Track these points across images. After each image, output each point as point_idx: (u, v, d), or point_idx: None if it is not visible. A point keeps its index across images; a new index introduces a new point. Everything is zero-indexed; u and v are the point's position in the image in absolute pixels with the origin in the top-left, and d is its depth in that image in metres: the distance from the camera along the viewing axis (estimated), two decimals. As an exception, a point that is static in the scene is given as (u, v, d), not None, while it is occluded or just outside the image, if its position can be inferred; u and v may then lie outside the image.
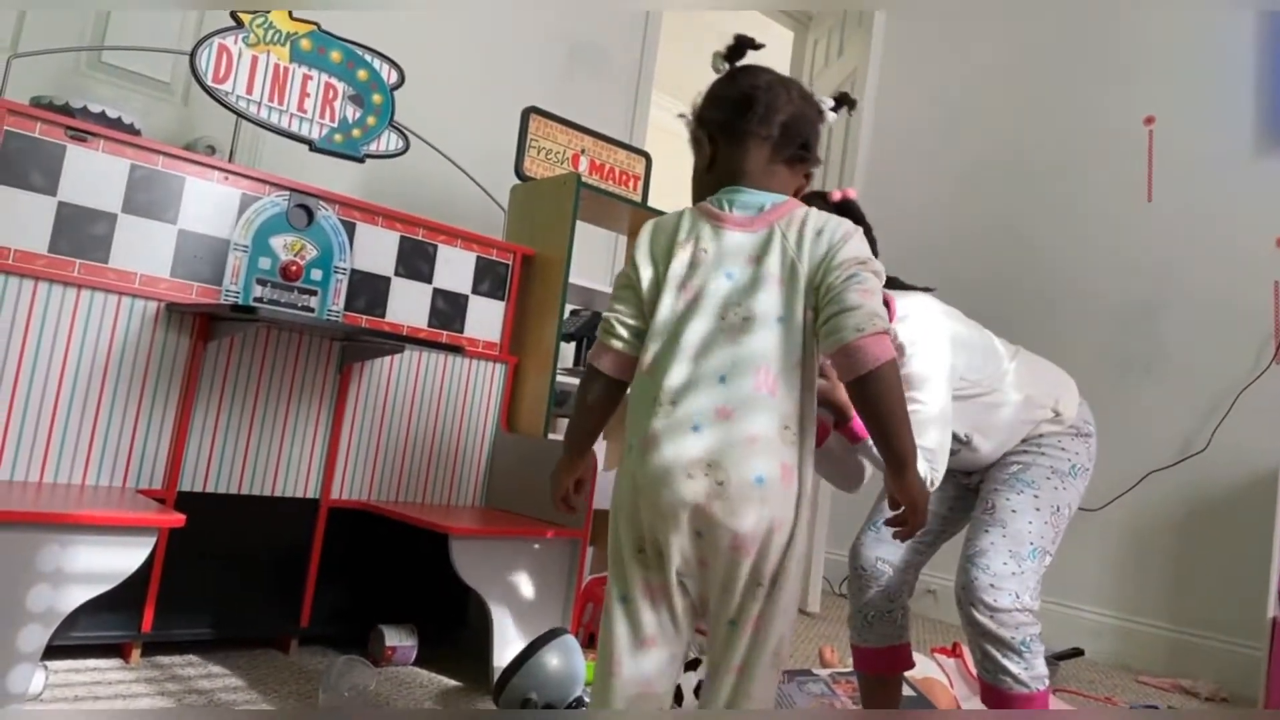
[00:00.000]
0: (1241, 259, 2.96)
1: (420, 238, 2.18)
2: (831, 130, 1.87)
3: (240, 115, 2.03)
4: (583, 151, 2.68)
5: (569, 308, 2.75)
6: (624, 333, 1.17)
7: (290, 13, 2.10)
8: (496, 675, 1.72)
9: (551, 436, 2.27)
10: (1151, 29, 3.28)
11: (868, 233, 1.44)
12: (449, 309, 2.22)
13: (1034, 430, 1.56)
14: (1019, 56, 3.64)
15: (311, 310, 2.00)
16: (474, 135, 2.82)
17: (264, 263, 1.94)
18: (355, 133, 2.19)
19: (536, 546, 1.95)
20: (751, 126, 1.18)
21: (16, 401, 1.67)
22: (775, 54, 2.38)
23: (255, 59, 2.03)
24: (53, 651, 1.54)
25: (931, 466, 1.39)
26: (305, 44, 2.11)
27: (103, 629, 1.74)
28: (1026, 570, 1.42)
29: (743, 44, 1.24)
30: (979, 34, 3.79)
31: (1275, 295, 2.89)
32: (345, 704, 1.60)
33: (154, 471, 1.81)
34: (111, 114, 1.87)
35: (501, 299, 2.31)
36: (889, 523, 1.18)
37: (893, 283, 1.52)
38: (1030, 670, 1.39)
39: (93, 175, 1.75)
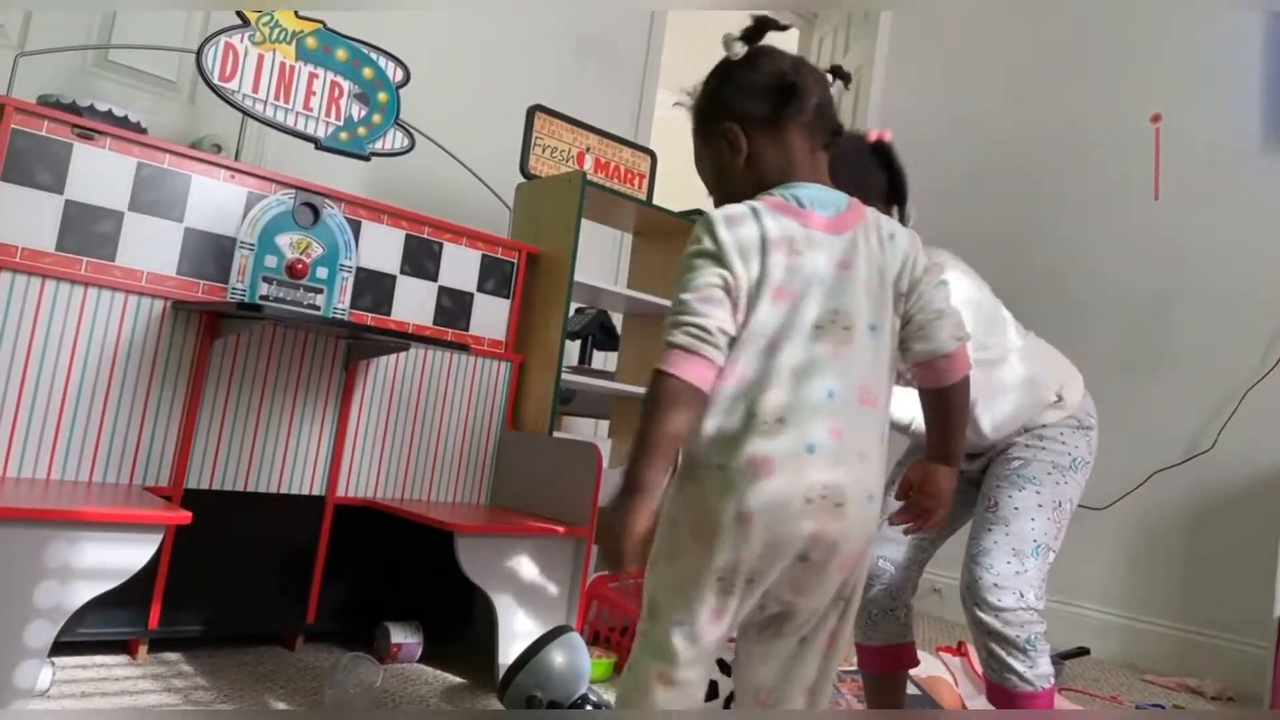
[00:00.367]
0: (1249, 257, 2.95)
1: (426, 236, 2.18)
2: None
3: (246, 113, 2.04)
4: (588, 150, 2.68)
5: (574, 306, 2.75)
6: (722, 342, 1.01)
7: (296, 11, 2.11)
8: (501, 672, 1.73)
9: (557, 434, 2.27)
10: (1158, 25, 3.27)
11: (900, 175, 1.44)
12: (454, 307, 2.23)
13: (1036, 416, 1.54)
14: (1025, 53, 3.63)
15: (317, 308, 2.01)
16: (479, 133, 2.82)
17: (270, 261, 1.94)
18: (361, 131, 2.19)
19: (541, 544, 1.95)
20: (791, 115, 1.10)
21: (24, 399, 1.67)
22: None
23: (261, 57, 2.04)
24: (60, 648, 1.55)
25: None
26: (311, 42, 2.11)
27: (110, 625, 1.75)
28: (1030, 569, 1.42)
29: (763, 25, 1.12)
30: (986, 31, 3.78)
31: (1283, 293, 2.87)
32: (351, 701, 1.61)
33: (160, 469, 1.82)
34: (118, 112, 1.87)
35: (507, 297, 2.32)
36: (901, 516, 1.18)
37: None
38: (1035, 669, 1.39)
39: (99, 173, 1.75)
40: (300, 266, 1.97)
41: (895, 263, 1.09)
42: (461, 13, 3.11)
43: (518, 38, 3.30)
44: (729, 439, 1.00)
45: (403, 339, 1.99)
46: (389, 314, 2.12)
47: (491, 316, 2.29)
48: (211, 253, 1.88)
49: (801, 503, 0.98)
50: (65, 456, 1.72)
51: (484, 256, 2.28)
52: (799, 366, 1.01)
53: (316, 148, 2.13)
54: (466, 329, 2.25)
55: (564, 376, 2.30)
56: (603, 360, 3.27)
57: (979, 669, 2.15)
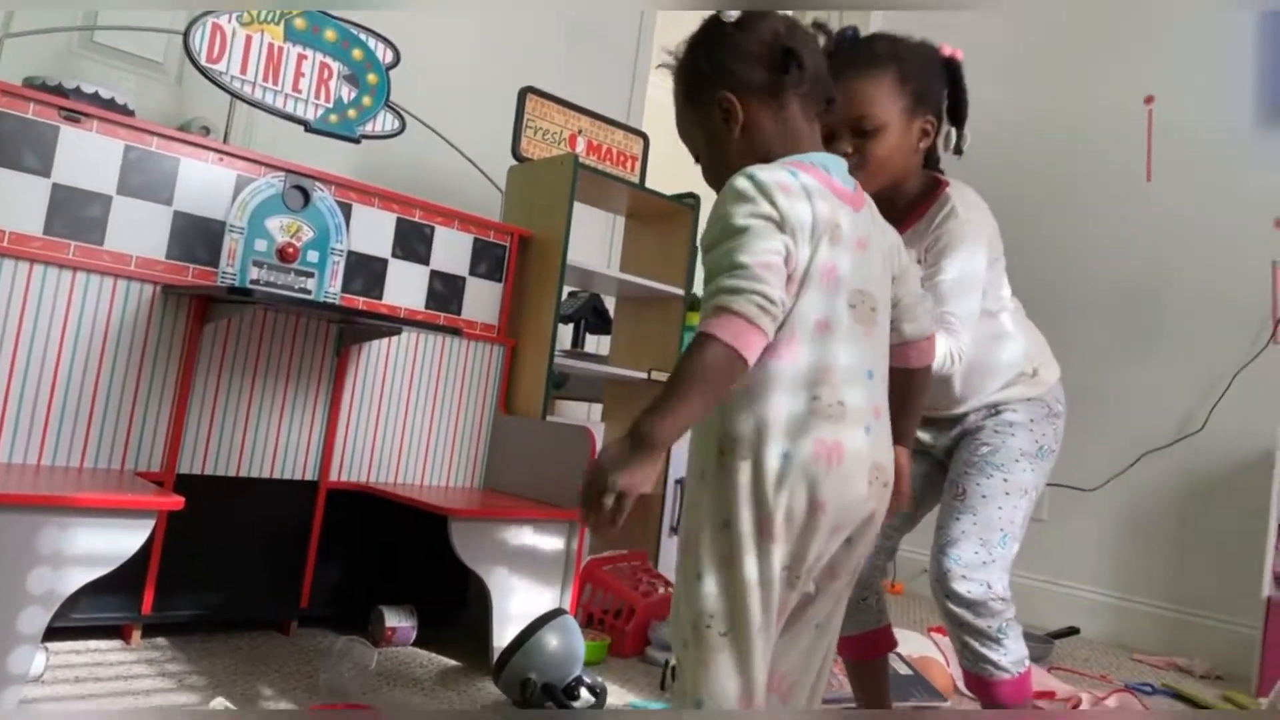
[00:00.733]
0: (1240, 239, 2.95)
1: (417, 219, 2.17)
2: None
3: (235, 95, 2.02)
4: (580, 132, 2.66)
5: (567, 289, 2.74)
6: (780, 316, 0.94)
7: (284, -9, 2.08)
8: (496, 655, 1.73)
9: (550, 418, 2.27)
10: (1151, 8, 3.26)
11: (964, 93, 1.45)
12: (446, 291, 2.22)
13: (1009, 387, 1.51)
14: (1018, 35, 3.62)
15: (308, 292, 2.00)
16: (470, 116, 2.80)
17: (260, 244, 1.93)
18: (351, 113, 2.17)
19: (534, 527, 1.95)
20: (791, 83, 1.04)
21: (14, 384, 1.66)
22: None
23: (249, 38, 2.02)
24: (53, 633, 1.55)
25: (957, 340, 1.34)
26: (299, 23, 2.09)
27: (103, 611, 1.74)
28: (997, 558, 1.41)
29: None
30: (978, 16, 3.76)
31: (1273, 275, 2.89)
32: (345, 685, 1.61)
33: (152, 454, 1.81)
34: (105, 94, 1.85)
35: (499, 281, 2.31)
36: None
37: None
38: (1009, 655, 1.40)
39: (87, 156, 1.73)
40: (291, 250, 1.96)
41: (890, 244, 1.10)
42: (451, -7, 3.08)
43: (509, 19, 3.27)
44: (792, 425, 0.94)
45: (395, 323, 1.99)
46: (380, 298, 2.11)
47: (484, 300, 2.28)
48: (201, 236, 1.86)
49: (866, 485, 0.97)
50: (56, 442, 1.71)
51: (476, 240, 2.27)
52: (845, 344, 0.98)
53: (306, 130, 2.11)
54: (459, 313, 2.24)
55: (557, 360, 2.30)
56: (595, 344, 3.27)
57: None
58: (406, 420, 2.15)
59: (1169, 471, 2.98)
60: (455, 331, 2.08)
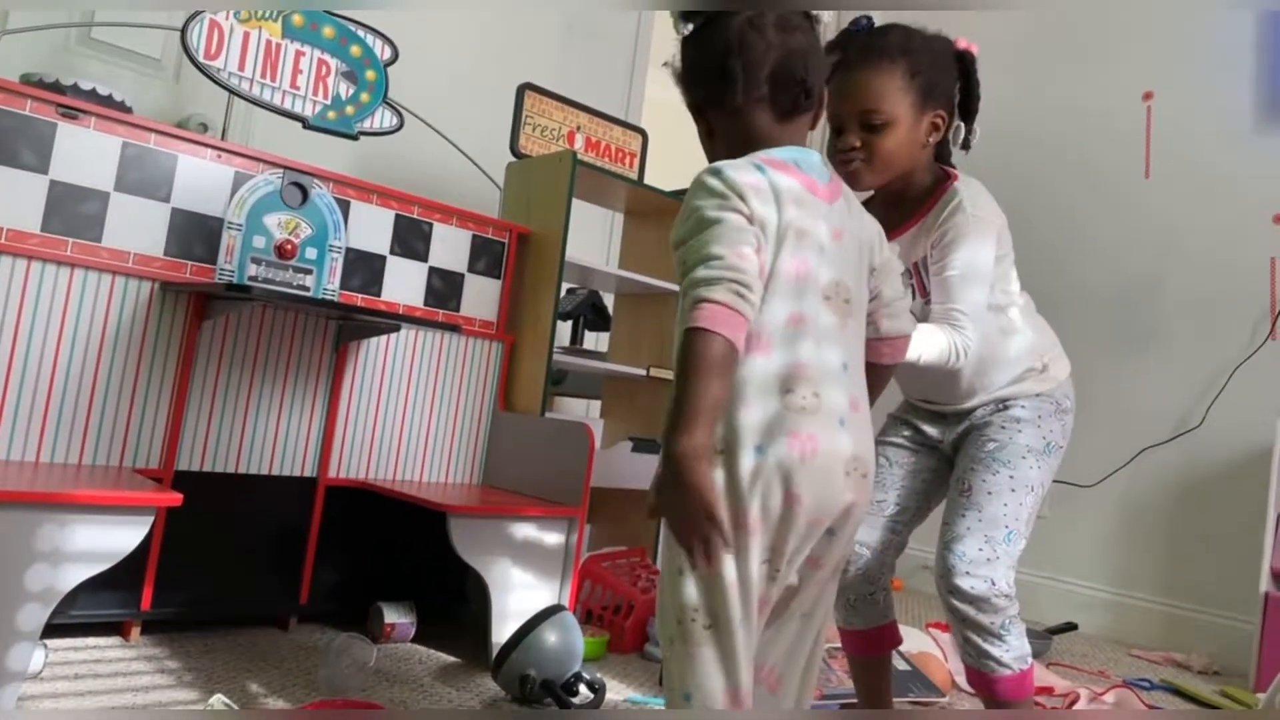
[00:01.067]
0: (1239, 235, 2.96)
1: (415, 216, 2.17)
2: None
3: (232, 92, 2.01)
4: (578, 129, 2.66)
5: (565, 286, 2.74)
6: (760, 292, 0.95)
7: (282, -12, 2.08)
8: (495, 652, 1.73)
9: (549, 415, 2.27)
10: (1150, 4, 3.25)
11: (976, 87, 1.46)
12: (445, 287, 2.22)
13: (1017, 383, 1.50)
14: (1017, 31, 3.62)
15: (307, 289, 1.99)
16: (469, 112, 2.80)
17: (258, 241, 1.93)
18: (349, 110, 2.17)
19: (533, 524, 1.95)
20: (737, 98, 1.04)
21: (12, 381, 1.66)
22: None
23: (247, 35, 2.01)
24: (52, 630, 1.55)
25: (963, 336, 1.35)
26: (297, 19, 2.09)
27: (102, 607, 1.75)
28: (1001, 555, 1.41)
29: None
30: (977, 13, 3.76)
31: (1272, 271, 2.89)
32: (344, 681, 1.61)
33: (151, 451, 1.81)
34: (102, 91, 1.85)
35: (498, 277, 2.31)
36: None
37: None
38: (1012, 651, 1.40)
39: (84, 153, 1.73)
40: (289, 247, 1.96)
41: (869, 236, 1.09)
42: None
43: (507, 15, 3.27)
44: (766, 415, 0.95)
45: (393, 320, 1.99)
46: (379, 295, 2.11)
47: (482, 297, 2.28)
48: (199, 233, 1.86)
49: (843, 476, 0.98)
50: (55, 439, 1.71)
51: (474, 237, 2.27)
52: (820, 337, 0.99)
53: (304, 127, 2.11)
54: (457, 310, 2.24)
55: (555, 357, 2.30)
56: (594, 341, 3.27)
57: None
58: (405, 417, 2.15)
59: (1167, 467, 2.99)
60: (454, 328, 2.08)
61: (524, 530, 1.93)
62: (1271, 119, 2.95)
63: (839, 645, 2.03)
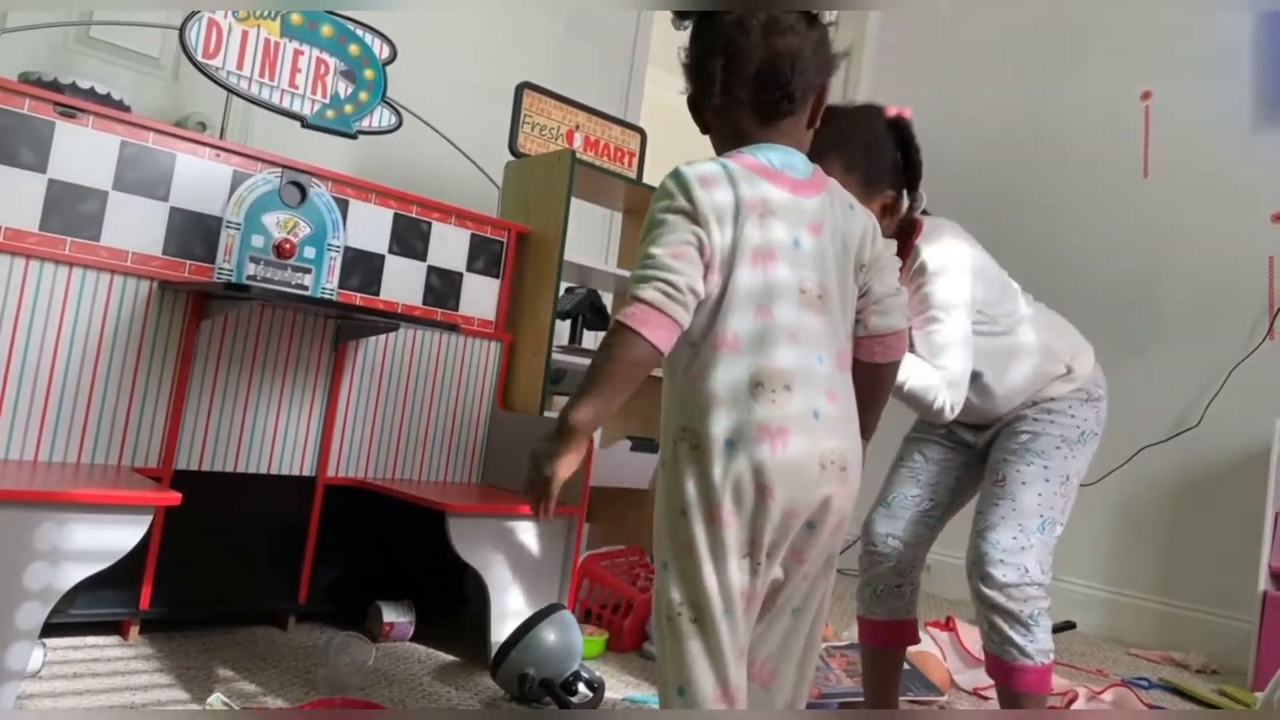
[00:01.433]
0: (1237, 234, 2.96)
1: (414, 215, 2.17)
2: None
3: (231, 91, 2.01)
4: (577, 128, 2.66)
5: (564, 285, 2.74)
6: (691, 302, 0.97)
7: (281, -13, 2.08)
8: (494, 651, 1.73)
9: (548, 414, 2.27)
10: (1148, 4, 3.26)
11: (916, 154, 1.43)
12: (443, 287, 2.22)
13: (1045, 389, 1.53)
14: (1016, 31, 3.62)
15: (305, 288, 1.99)
16: (468, 111, 2.80)
17: (257, 240, 1.93)
18: (348, 108, 2.17)
19: (532, 523, 1.95)
20: (717, 101, 1.06)
21: (10, 380, 1.66)
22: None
23: (245, 34, 2.01)
24: (51, 629, 1.55)
25: (952, 393, 1.38)
26: (296, 18, 2.09)
27: (101, 606, 1.75)
28: (1035, 544, 1.42)
29: None
30: (976, 12, 3.76)
31: (1270, 271, 2.89)
32: (343, 680, 1.61)
33: (149, 450, 1.81)
34: (101, 90, 1.85)
35: (496, 277, 2.31)
36: None
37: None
38: (1036, 643, 1.41)
39: (83, 152, 1.73)
40: (288, 246, 1.96)
41: (856, 232, 1.09)
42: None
43: (506, 14, 3.27)
44: (736, 410, 0.97)
45: (392, 319, 1.98)
46: (378, 294, 2.11)
47: (481, 296, 2.28)
48: (198, 232, 1.86)
49: (817, 469, 0.98)
50: (53, 438, 1.71)
51: (473, 236, 2.27)
52: (792, 331, 1.00)
53: (303, 126, 2.11)
54: (456, 309, 2.24)
55: (554, 356, 2.30)
56: (593, 340, 3.26)
57: (967, 645, 2.17)
58: (404, 416, 2.15)
59: (1166, 466, 2.99)
60: (452, 327, 2.08)
61: (523, 529, 1.93)
62: (1270, 119, 2.96)
63: (838, 644, 2.04)
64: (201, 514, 1.79)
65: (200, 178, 1.86)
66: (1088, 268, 3.25)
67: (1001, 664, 1.43)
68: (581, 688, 1.69)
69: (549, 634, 1.69)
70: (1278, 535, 2.52)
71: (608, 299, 2.99)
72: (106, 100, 1.84)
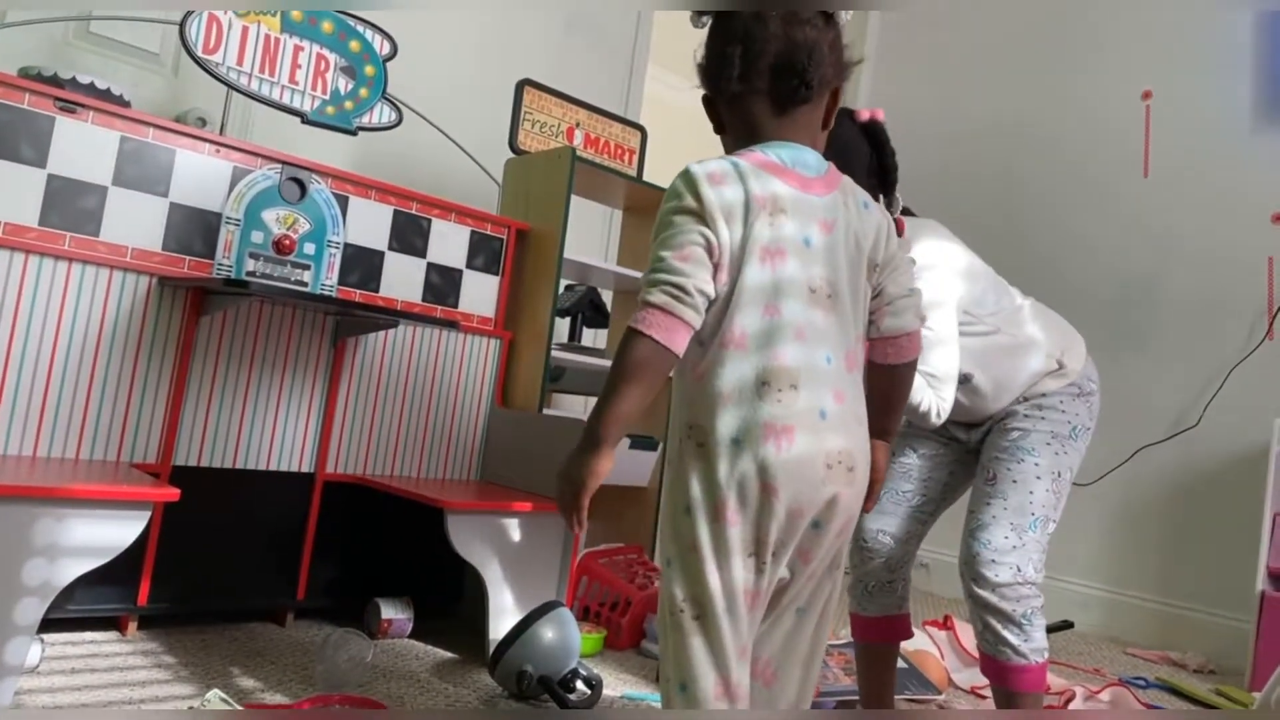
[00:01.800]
0: (1237, 234, 2.96)
1: (414, 212, 2.17)
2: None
3: (231, 87, 2.01)
4: (577, 125, 2.66)
5: (564, 283, 2.74)
6: (701, 303, 0.98)
7: (281, -17, 2.07)
8: (492, 648, 1.74)
9: (547, 411, 2.27)
10: (1149, 3, 3.25)
11: (890, 157, 1.43)
12: (443, 284, 2.22)
13: (1036, 384, 1.53)
14: (1017, 31, 3.62)
15: (305, 285, 1.99)
16: (468, 108, 2.80)
17: (256, 236, 1.93)
18: (348, 105, 2.17)
19: (530, 520, 1.96)
20: (734, 88, 1.06)
21: (9, 376, 1.66)
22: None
23: (246, 29, 2.01)
24: (49, 624, 1.55)
25: (939, 395, 1.38)
26: (296, 14, 2.08)
27: (99, 602, 1.75)
28: (1028, 542, 1.42)
29: None
30: (976, 12, 3.76)
31: (1270, 271, 2.89)
32: (342, 676, 1.61)
33: (148, 446, 1.81)
34: (101, 85, 1.85)
35: (496, 274, 2.31)
36: None
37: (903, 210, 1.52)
38: (1030, 642, 1.41)
39: (83, 147, 1.73)
40: (287, 242, 1.96)
41: (870, 231, 1.08)
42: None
43: (507, 11, 3.26)
44: (743, 409, 0.97)
45: (391, 316, 1.98)
46: (377, 291, 2.11)
47: (481, 293, 2.28)
48: (197, 228, 1.86)
49: (823, 469, 0.98)
50: (52, 434, 1.71)
51: (473, 233, 2.27)
52: (800, 330, 0.99)
53: (303, 122, 2.11)
54: (455, 306, 2.24)
55: (554, 354, 2.30)
56: (592, 338, 3.27)
57: (965, 643, 2.18)
58: (403, 413, 2.15)
59: (1164, 466, 2.99)
60: (452, 324, 2.08)
61: (521, 526, 1.93)
62: (1270, 119, 2.95)
63: (835, 643, 2.04)
64: (200, 510, 1.79)
65: (200, 173, 1.86)
66: (1087, 267, 3.26)
67: (996, 664, 1.43)
68: (579, 685, 1.70)
69: (547, 631, 1.69)
70: (1276, 535, 2.52)
71: (607, 296, 2.99)
72: (106, 95, 1.83)
